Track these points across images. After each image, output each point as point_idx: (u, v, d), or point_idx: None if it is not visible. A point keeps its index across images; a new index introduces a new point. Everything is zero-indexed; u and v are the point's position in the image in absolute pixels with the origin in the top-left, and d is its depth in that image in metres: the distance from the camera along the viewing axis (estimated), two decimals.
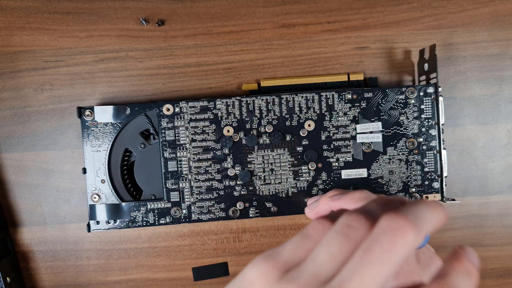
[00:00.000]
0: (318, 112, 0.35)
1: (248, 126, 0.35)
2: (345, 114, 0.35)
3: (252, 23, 0.37)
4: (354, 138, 0.35)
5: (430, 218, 0.17)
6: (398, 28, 0.37)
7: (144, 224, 0.35)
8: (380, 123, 0.35)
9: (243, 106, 0.35)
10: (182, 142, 0.35)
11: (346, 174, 0.35)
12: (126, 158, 0.35)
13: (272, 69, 0.37)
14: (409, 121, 0.35)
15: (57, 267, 0.38)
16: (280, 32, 0.37)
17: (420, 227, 0.16)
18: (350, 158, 0.35)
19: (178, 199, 0.35)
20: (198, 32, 0.37)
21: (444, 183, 0.35)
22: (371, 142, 0.35)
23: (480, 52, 0.38)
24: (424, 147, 0.35)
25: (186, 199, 0.35)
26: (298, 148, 0.35)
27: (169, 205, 0.35)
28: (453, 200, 0.35)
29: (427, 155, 0.35)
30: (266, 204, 0.35)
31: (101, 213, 0.34)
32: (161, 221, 0.35)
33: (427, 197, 0.35)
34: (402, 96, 0.35)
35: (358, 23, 0.37)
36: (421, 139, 0.35)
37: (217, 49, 0.37)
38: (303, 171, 0.35)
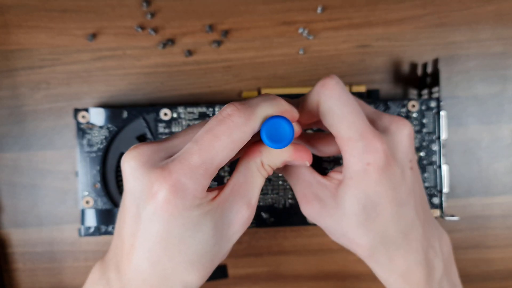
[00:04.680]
0: None
1: None
2: None
3: (252, 21, 0.36)
4: None
5: (263, 108, 0.21)
6: (400, 26, 0.37)
7: None
8: None
9: None
10: None
11: None
12: None
13: (272, 67, 0.37)
14: None
15: (54, 269, 0.37)
16: (280, 30, 0.37)
17: (248, 114, 0.20)
18: None
19: None
20: (196, 29, 0.36)
21: (443, 199, 0.34)
22: None
23: (483, 50, 0.37)
24: (425, 162, 0.35)
25: None
26: None
27: None
28: (452, 216, 0.34)
29: (427, 170, 0.35)
30: (263, 214, 0.34)
31: (93, 218, 0.33)
32: None
33: None
34: (404, 109, 0.34)
35: (360, 21, 0.37)
36: (422, 154, 0.35)
37: (216, 47, 0.36)
38: None
